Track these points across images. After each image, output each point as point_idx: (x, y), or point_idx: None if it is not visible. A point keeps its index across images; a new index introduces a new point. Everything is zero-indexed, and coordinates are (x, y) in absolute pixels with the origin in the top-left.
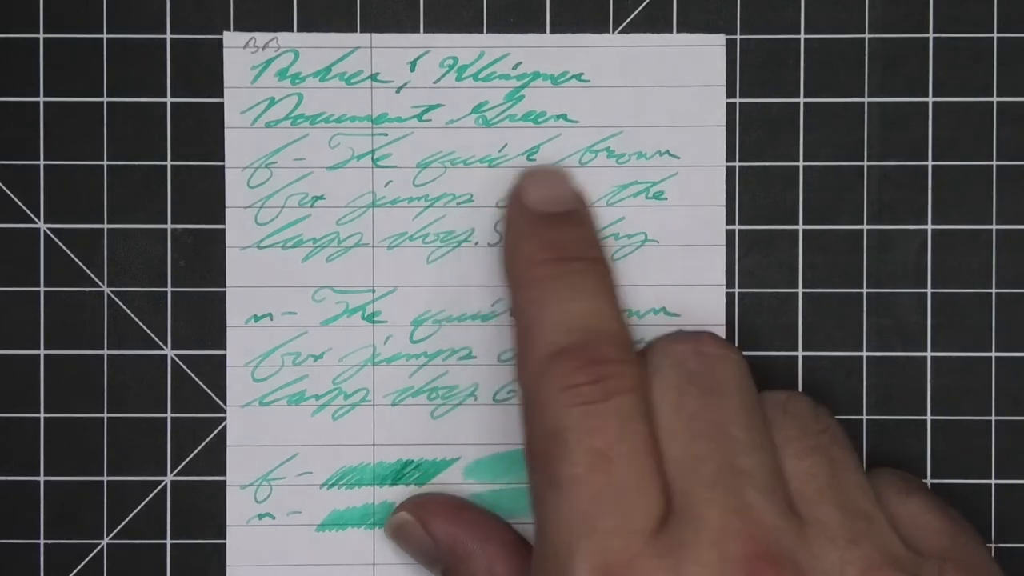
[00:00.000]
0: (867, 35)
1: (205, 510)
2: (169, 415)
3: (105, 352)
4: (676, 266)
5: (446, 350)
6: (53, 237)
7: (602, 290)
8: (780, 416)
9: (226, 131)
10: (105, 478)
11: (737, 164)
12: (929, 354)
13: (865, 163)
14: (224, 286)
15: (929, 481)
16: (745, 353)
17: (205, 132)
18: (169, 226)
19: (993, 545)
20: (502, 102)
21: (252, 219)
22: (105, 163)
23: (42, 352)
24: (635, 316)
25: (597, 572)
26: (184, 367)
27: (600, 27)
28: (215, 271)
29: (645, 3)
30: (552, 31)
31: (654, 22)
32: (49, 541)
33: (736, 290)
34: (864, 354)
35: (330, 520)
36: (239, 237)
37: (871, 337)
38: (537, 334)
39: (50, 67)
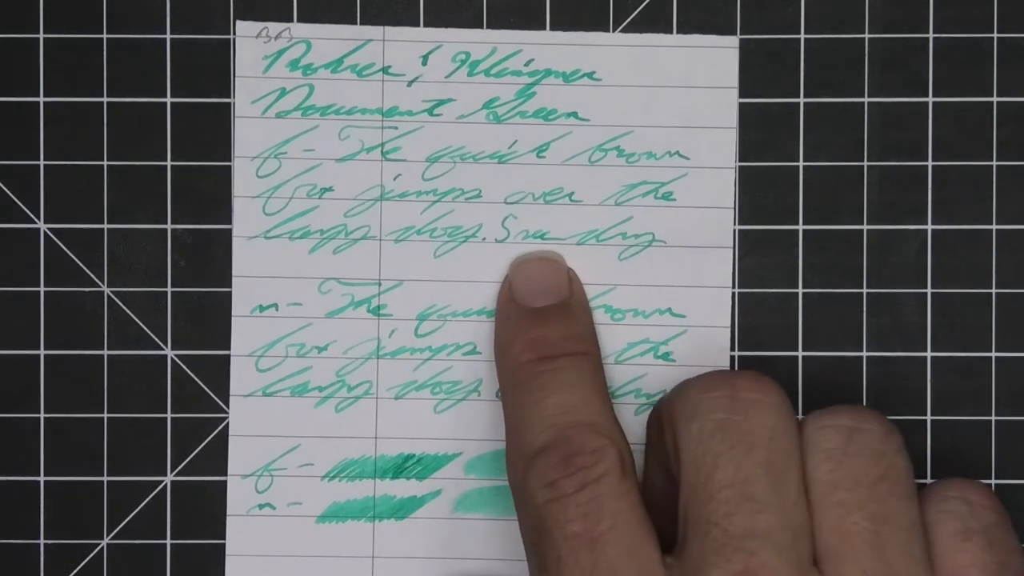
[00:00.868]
0: (867, 35)
1: (205, 510)
2: (169, 415)
3: (105, 352)
4: (683, 267)
5: (450, 345)
6: (53, 237)
7: (579, 382)
8: (839, 455)
9: (236, 120)
10: (105, 478)
11: (737, 164)
12: (929, 354)
13: (865, 163)
14: (225, 284)
15: (929, 481)
16: (745, 353)
17: (206, 130)
18: (169, 226)
19: None
20: (513, 98)
21: (260, 209)
22: (105, 163)
23: (42, 352)
24: (641, 316)
25: None
26: (184, 367)
27: (600, 27)
28: (216, 270)
29: (645, 3)
30: (552, 31)
31: (654, 22)
32: (49, 541)
33: (736, 290)
34: (864, 354)
35: (330, 512)
36: (246, 227)
37: (871, 337)
38: (519, 437)
39: (50, 67)
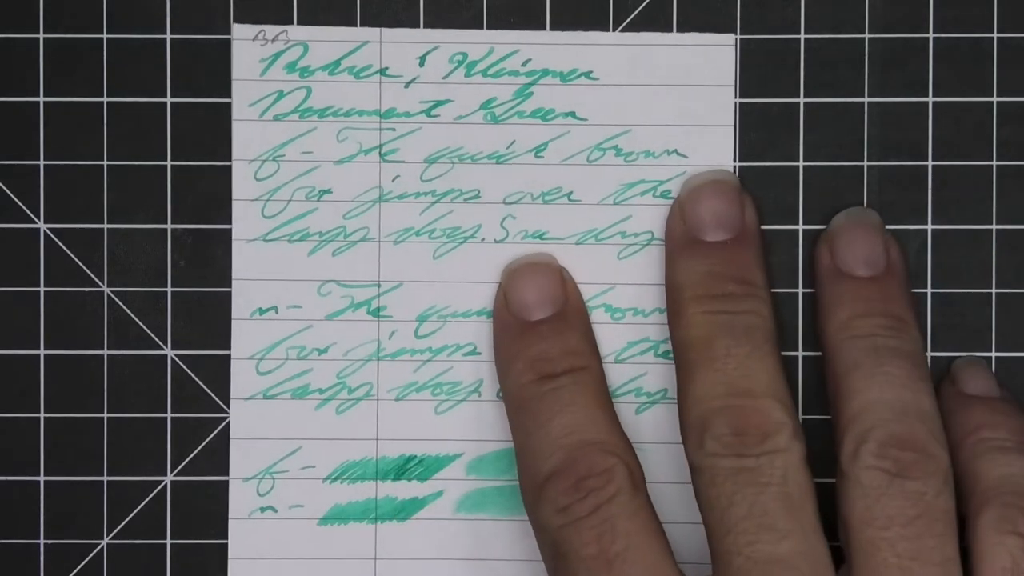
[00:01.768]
0: (867, 35)
1: (205, 510)
2: (169, 415)
3: (105, 352)
4: None
5: (451, 346)
6: (53, 237)
7: (582, 399)
8: (876, 495)
9: (234, 123)
10: (105, 478)
11: (737, 164)
12: (929, 354)
13: (865, 163)
14: (225, 285)
15: None
16: None
17: (205, 130)
18: (169, 226)
19: None
20: (511, 99)
21: (259, 212)
22: (105, 163)
23: (42, 352)
24: (641, 315)
25: None
26: (184, 367)
27: (600, 27)
28: (216, 270)
29: (645, 3)
30: (552, 31)
31: (654, 22)
32: (49, 541)
33: None
34: None
35: (332, 514)
36: (245, 230)
37: None
38: (528, 463)
39: (50, 67)
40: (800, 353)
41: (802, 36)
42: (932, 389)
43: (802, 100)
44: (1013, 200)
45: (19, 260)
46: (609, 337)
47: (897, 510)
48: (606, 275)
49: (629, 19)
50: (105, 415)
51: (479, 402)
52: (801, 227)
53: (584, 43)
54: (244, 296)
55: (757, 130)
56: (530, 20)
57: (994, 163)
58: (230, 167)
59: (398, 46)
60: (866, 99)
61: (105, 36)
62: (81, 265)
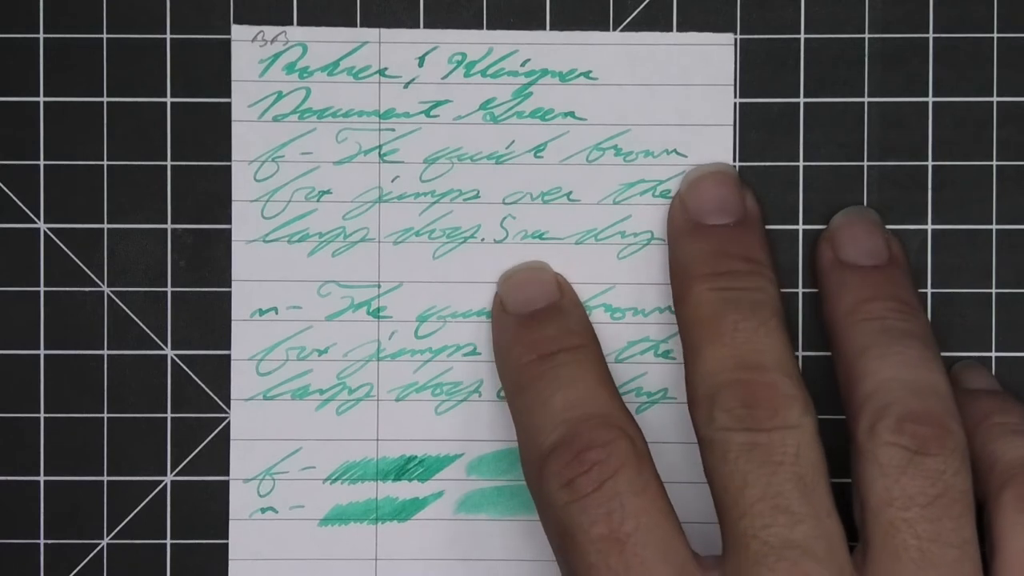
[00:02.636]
0: (867, 35)
1: (205, 510)
2: (169, 415)
3: (105, 352)
4: None
5: (451, 346)
6: (53, 237)
7: (582, 375)
8: (896, 473)
9: (233, 124)
10: (105, 478)
11: (737, 164)
12: None
13: (865, 163)
14: (225, 285)
15: None
16: None
17: (205, 131)
18: (169, 226)
19: None
20: (510, 99)
21: (258, 213)
22: (105, 163)
23: (42, 352)
24: (641, 315)
25: None
26: (184, 367)
27: (600, 27)
28: (216, 270)
29: (645, 3)
30: (551, 31)
31: (654, 22)
32: (49, 541)
33: None
34: None
35: (333, 515)
36: (245, 231)
37: None
38: (529, 439)
39: (50, 67)
40: (800, 353)
41: (802, 36)
42: (945, 370)
43: (802, 100)
44: (1013, 200)
45: (19, 260)
46: (609, 337)
47: (917, 489)
48: (606, 275)
49: (629, 19)
50: (105, 415)
51: (479, 402)
52: (801, 227)
53: (584, 43)
54: (244, 297)
55: (757, 130)
56: (529, 20)
57: (994, 163)
58: (230, 167)
59: (397, 46)
60: (866, 99)
61: (105, 36)
62: (81, 265)
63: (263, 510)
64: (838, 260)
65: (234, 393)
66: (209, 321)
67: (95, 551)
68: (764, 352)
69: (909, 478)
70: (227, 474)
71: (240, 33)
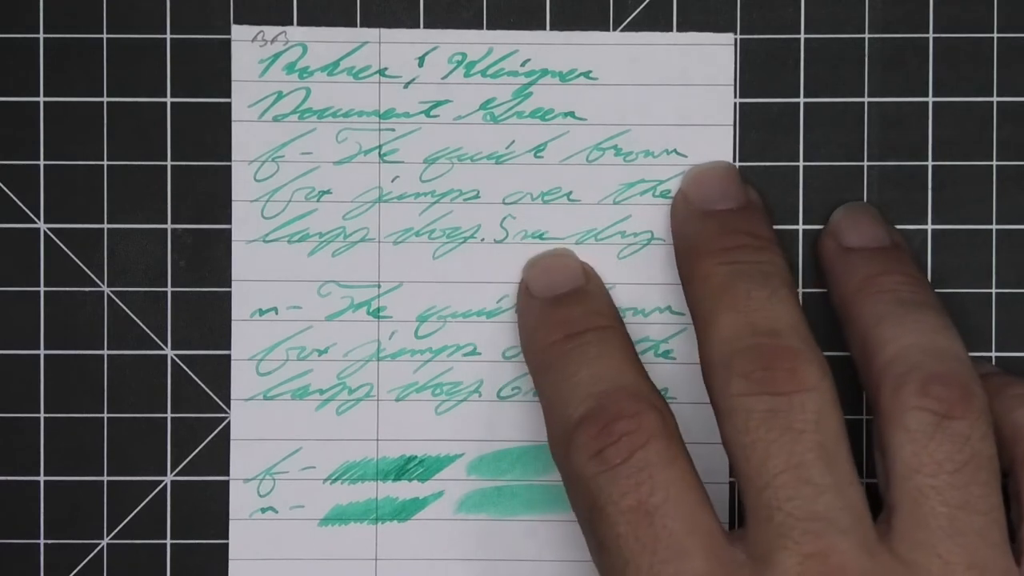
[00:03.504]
0: (867, 35)
1: (205, 510)
2: (169, 415)
3: (105, 352)
4: None
5: (451, 346)
6: (53, 237)
7: (610, 351)
8: (924, 439)
9: (233, 124)
10: (105, 478)
11: (737, 164)
12: None
13: (865, 163)
14: (225, 285)
15: None
16: None
17: (205, 131)
18: (169, 226)
19: None
20: (510, 99)
21: (258, 213)
22: (105, 163)
23: (42, 352)
24: (641, 315)
25: None
26: (184, 367)
27: (600, 27)
28: (216, 270)
29: (645, 3)
30: (551, 31)
31: (654, 21)
32: (49, 541)
33: None
34: None
35: (333, 515)
36: (245, 231)
37: None
38: (557, 414)
39: (50, 67)
40: None
41: (802, 36)
42: (961, 339)
43: (802, 100)
44: (1013, 200)
45: (19, 260)
46: None
47: (945, 455)
48: (606, 275)
49: (629, 19)
50: (105, 415)
51: (479, 402)
52: (801, 227)
53: (584, 43)
54: (244, 297)
55: (757, 130)
56: (529, 20)
57: (994, 163)
58: (230, 167)
59: (397, 46)
60: (866, 99)
61: (105, 36)
62: (81, 265)
63: (263, 510)
64: (842, 247)
65: (234, 393)
66: (209, 321)
67: (95, 551)
68: (779, 318)
69: (937, 443)
70: (227, 474)
71: (240, 33)
